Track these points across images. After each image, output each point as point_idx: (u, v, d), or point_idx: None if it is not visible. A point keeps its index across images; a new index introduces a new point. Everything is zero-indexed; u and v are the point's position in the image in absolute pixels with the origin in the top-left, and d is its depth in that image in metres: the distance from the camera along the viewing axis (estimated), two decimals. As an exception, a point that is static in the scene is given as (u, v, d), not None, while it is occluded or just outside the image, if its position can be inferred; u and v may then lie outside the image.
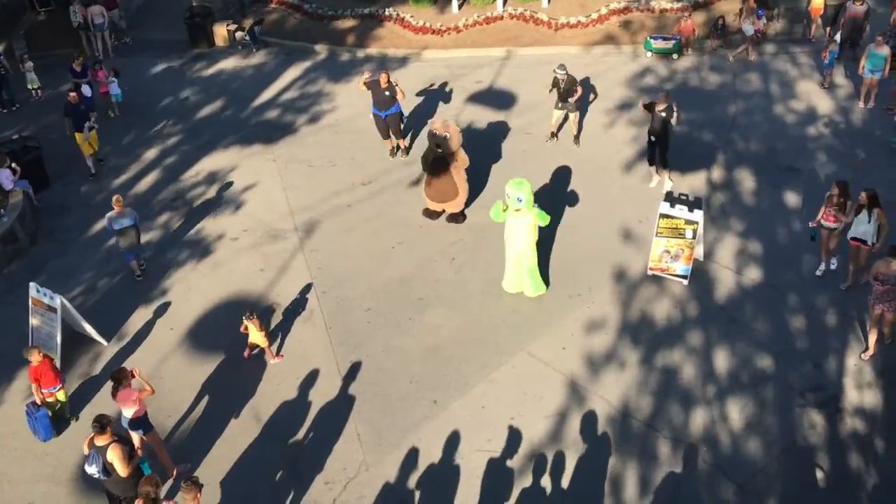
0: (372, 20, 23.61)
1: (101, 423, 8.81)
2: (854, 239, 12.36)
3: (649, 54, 21.15)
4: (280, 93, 20.76)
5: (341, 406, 11.36)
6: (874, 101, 18.00)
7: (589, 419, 10.92)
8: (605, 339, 12.21)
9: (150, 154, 18.15)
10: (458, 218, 15.05)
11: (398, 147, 17.29)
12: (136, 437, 9.92)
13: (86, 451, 9.00)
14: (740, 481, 9.98)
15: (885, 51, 17.37)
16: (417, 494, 10.10)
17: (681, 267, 13.09)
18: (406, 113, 17.44)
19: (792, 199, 15.13)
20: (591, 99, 19.08)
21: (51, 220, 15.94)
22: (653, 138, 15.25)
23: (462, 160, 14.64)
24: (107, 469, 8.83)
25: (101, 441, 8.83)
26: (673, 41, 20.89)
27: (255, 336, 11.97)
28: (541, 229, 13.15)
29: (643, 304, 12.84)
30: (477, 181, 16.03)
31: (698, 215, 12.82)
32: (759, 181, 15.73)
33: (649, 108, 15.18)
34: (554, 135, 17.38)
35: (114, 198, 13.61)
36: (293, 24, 24.18)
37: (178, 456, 10.66)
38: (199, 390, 11.78)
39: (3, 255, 14.61)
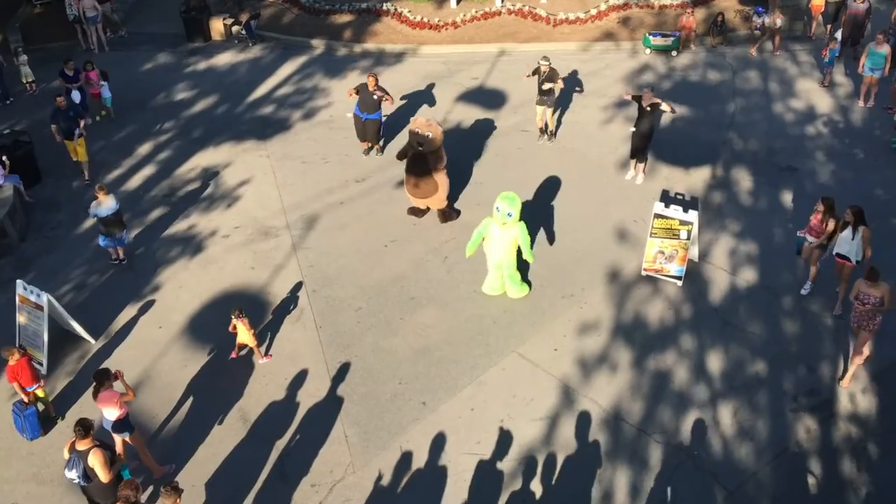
0: (369, 15, 23.43)
1: (84, 427, 8.67)
2: (839, 255, 12.03)
3: (648, 51, 20.98)
4: (275, 88, 20.60)
5: (329, 407, 11.23)
6: (874, 100, 17.84)
7: (579, 422, 10.78)
8: (598, 341, 12.07)
9: (143, 149, 17.99)
10: (450, 215, 14.91)
11: (372, 147, 17.10)
12: (118, 439, 9.80)
13: (66, 455, 8.86)
14: (731, 487, 9.85)
15: (886, 49, 17.20)
16: (404, 498, 9.98)
17: (675, 268, 12.95)
18: (399, 109, 17.28)
19: (790, 199, 14.98)
20: (588, 95, 18.93)
21: (41, 215, 15.80)
22: (637, 132, 15.20)
23: (441, 157, 14.49)
24: (87, 474, 8.69)
25: (82, 446, 8.69)
26: (672, 38, 20.72)
27: (244, 336, 11.83)
28: (534, 228, 13.02)
29: (636, 305, 12.70)
30: (471, 179, 15.91)
31: (693, 216, 12.67)
32: (757, 181, 15.57)
33: (636, 100, 15.13)
34: (543, 131, 17.22)
35: (97, 186, 13.84)
36: (290, 19, 24.01)
37: (163, 457, 10.52)
38: (185, 390, 11.65)
39: (-7, 252, 14.51)
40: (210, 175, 16.89)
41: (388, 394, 11.39)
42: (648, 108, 14.85)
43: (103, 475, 8.64)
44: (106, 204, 13.65)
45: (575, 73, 19.91)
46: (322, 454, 10.53)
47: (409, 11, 23.13)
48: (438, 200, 14.78)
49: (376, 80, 16.43)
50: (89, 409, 10.84)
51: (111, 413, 9.59)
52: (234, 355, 12.08)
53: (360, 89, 16.38)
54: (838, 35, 19.26)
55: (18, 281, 12.25)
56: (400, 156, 14.82)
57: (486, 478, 10.13)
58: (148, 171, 17.19)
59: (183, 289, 13.66)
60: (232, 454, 10.61)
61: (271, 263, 14.13)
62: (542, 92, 16.49)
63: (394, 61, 21.58)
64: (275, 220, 15.24)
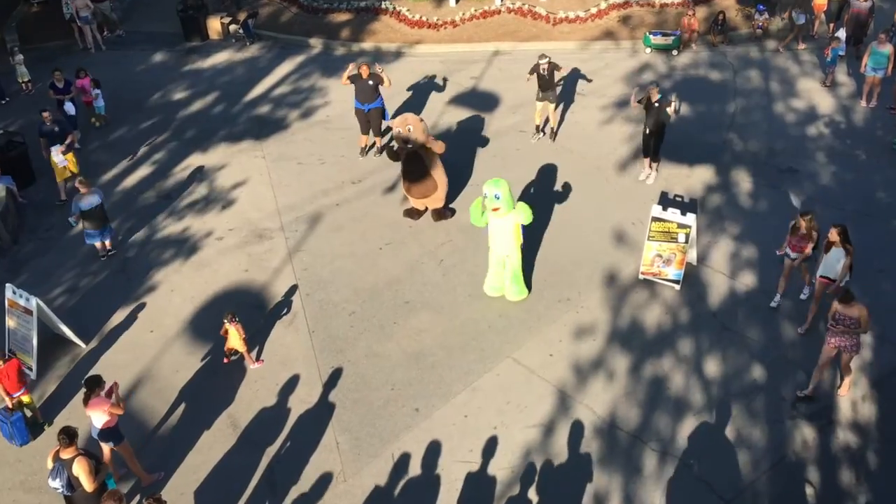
0: (367, 14, 23.25)
1: (69, 435, 8.53)
2: (824, 277, 11.56)
3: (648, 50, 20.77)
4: (272, 88, 20.45)
5: (321, 413, 11.08)
6: (877, 100, 17.63)
7: (574, 430, 10.62)
8: (594, 346, 11.90)
9: (138, 150, 17.82)
10: (444, 214, 14.75)
11: (373, 145, 16.93)
12: (106, 447, 9.67)
13: (50, 464, 8.73)
14: (727, 497, 9.68)
15: (888, 49, 16.97)
16: (395, 507, 9.85)
17: (673, 272, 12.77)
18: (395, 110, 17.10)
19: (790, 201, 14.75)
20: (587, 95, 18.75)
21: (34, 217, 15.67)
22: (648, 130, 14.97)
23: (437, 147, 14.29)
24: (71, 483, 8.55)
25: (66, 454, 8.56)
26: (672, 37, 20.51)
27: (235, 341, 11.69)
28: (530, 230, 12.85)
29: (634, 309, 12.53)
30: (468, 180, 15.75)
31: (691, 219, 12.50)
32: (757, 182, 15.38)
33: (643, 102, 14.87)
34: (540, 129, 17.03)
35: (77, 179, 13.87)
36: (288, 18, 23.84)
37: (152, 465, 10.40)
38: (176, 395, 11.52)
39: (-15, 254, 14.39)
40: (205, 176, 16.75)
41: (380, 400, 11.24)
42: (657, 104, 14.60)
43: (88, 484, 8.50)
44: (88, 198, 13.65)
45: (574, 72, 19.71)
46: (313, 461, 10.39)
47: (408, 10, 22.95)
48: (438, 199, 14.62)
49: (369, 67, 16.24)
50: (79, 414, 10.69)
51: (100, 420, 9.45)
52: (225, 360, 11.93)
53: (354, 80, 16.20)
54: (841, 34, 19.03)
55: (8, 285, 12.15)
56: (392, 156, 14.62)
57: (478, 487, 9.98)
58: (142, 171, 17.06)
59: (175, 292, 13.52)
60: (221, 461, 10.48)
61: (265, 266, 13.99)
62: (543, 88, 16.29)
63: (392, 60, 21.39)
64: (269, 222, 15.09)
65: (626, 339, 12.00)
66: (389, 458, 10.38)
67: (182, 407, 11.35)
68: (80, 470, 8.48)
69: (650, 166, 15.46)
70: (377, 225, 14.85)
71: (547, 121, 17.08)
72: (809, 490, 9.68)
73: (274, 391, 11.47)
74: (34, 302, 11.74)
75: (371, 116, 16.47)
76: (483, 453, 10.36)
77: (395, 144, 14.40)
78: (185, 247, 14.61)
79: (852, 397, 10.82)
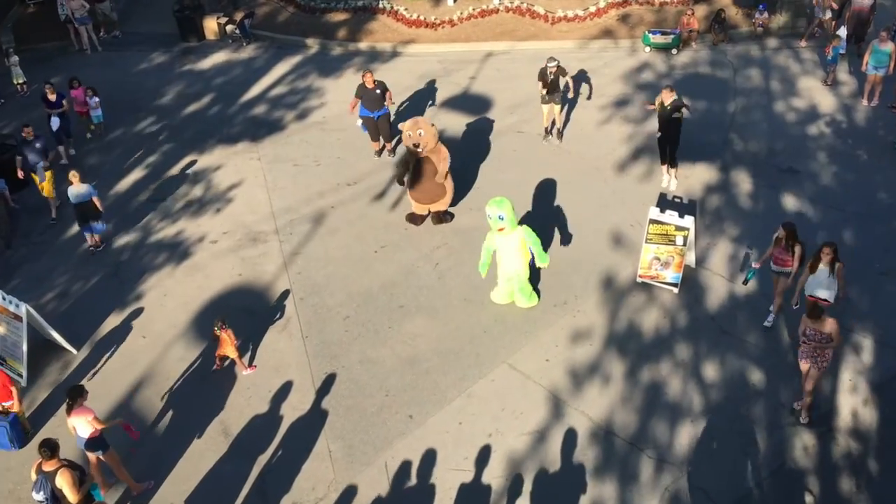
0: (365, 13, 23.09)
1: (50, 448, 8.40)
2: (812, 296, 10.95)
3: (648, 49, 20.58)
4: (269, 88, 20.31)
5: (313, 420, 10.93)
6: (878, 99, 17.43)
7: (570, 437, 10.46)
8: (590, 351, 11.74)
9: (133, 152, 17.72)
10: (445, 217, 14.58)
11: (383, 148, 16.81)
12: (92, 457, 9.54)
13: (33, 476, 8.59)
14: (725, 506, 9.53)
15: (890, 47, 16.76)
16: (388, 516, 9.71)
17: (671, 274, 12.60)
18: (393, 111, 16.97)
19: (790, 202, 14.60)
20: (585, 95, 18.57)
21: (28, 221, 15.54)
22: (662, 136, 14.68)
23: (444, 155, 14.15)
24: (55, 496, 8.41)
25: (49, 466, 8.42)
26: (672, 35, 20.32)
27: (226, 347, 11.55)
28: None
29: (631, 313, 12.36)
30: (465, 182, 15.57)
31: (689, 221, 12.32)
32: (757, 183, 15.19)
33: (658, 106, 14.48)
34: (549, 131, 16.86)
35: (70, 172, 13.91)
36: (285, 17, 23.69)
37: (142, 473, 10.27)
38: (167, 402, 11.39)
39: (-23, 258, 14.27)
40: (200, 178, 16.62)
41: (374, 406, 11.09)
42: (670, 108, 14.26)
43: (72, 497, 8.36)
44: (78, 190, 13.71)
45: (573, 71, 19.51)
46: (304, 470, 10.25)
47: (406, 9, 22.78)
48: (444, 203, 14.44)
49: (372, 75, 16.09)
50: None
51: (84, 431, 9.31)
52: (216, 367, 11.79)
53: (360, 90, 16.03)
54: (842, 32, 18.83)
55: (-3, 290, 12.03)
56: (402, 165, 14.36)
57: (472, 495, 9.83)
58: (137, 174, 16.93)
59: (168, 296, 13.39)
60: (212, 470, 10.34)
61: (259, 270, 13.85)
62: (550, 91, 16.10)
63: (389, 60, 21.25)
64: (264, 225, 14.95)
65: (624, 343, 11.84)
66: (382, 466, 10.23)
67: (173, 414, 11.21)
68: (63, 482, 8.34)
69: (668, 172, 15.10)
70: (372, 227, 14.70)
71: (553, 122, 16.90)
72: (809, 498, 9.52)
73: (266, 398, 11.32)
74: (24, 308, 11.61)
75: (380, 123, 16.33)
76: (477, 461, 10.21)
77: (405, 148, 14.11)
78: (178, 250, 14.47)
79: (852, 403, 10.65)
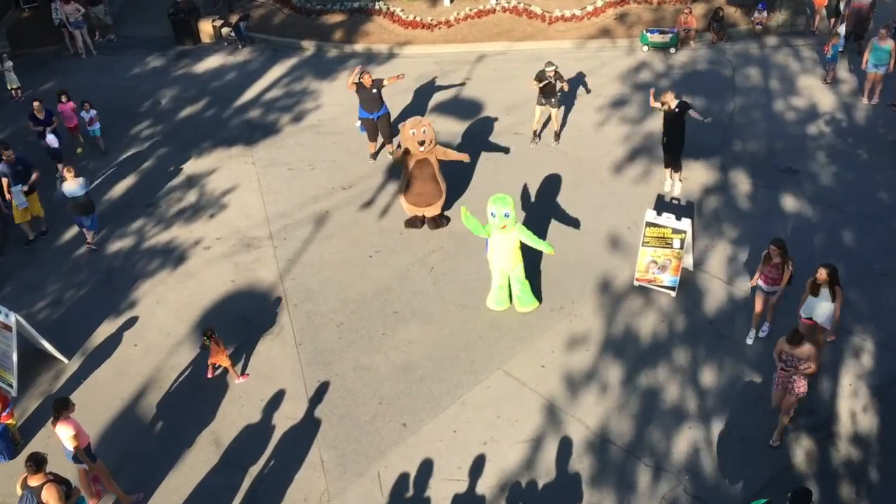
0: (361, 15, 22.95)
1: (36, 462, 8.27)
2: (807, 318, 10.48)
3: (646, 48, 20.42)
4: (264, 91, 20.17)
5: (306, 430, 10.79)
6: (878, 97, 17.26)
7: (565, 445, 10.31)
8: (587, 357, 11.58)
9: (127, 157, 17.58)
10: (441, 222, 14.43)
11: (379, 150, 16.65)
12: (80, 469, 9.40)
13: (18, 491, 8.46)
14: (723, 515, 9.37)
15: (890, 44, 16.60)
16: (381, 528, 9.57)
17: (668, 278, 12.44)
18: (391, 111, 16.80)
19: (789, 202, 14.43)
20: (583, 95, 18.42)
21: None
22: (665, 139, 14.42)
23: (443, 150, 14.04)
24: (41, 511, 8.30)
25: (34, 481, 8.29)
26: (670, 34, 20.15)
27: (218, 356, 11.42)
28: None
29: (628, 317, 12.20)
30: (460, 184, 15.42)
31: (686, 224, 12.16)
32: (755, 184, 15.02)
33: (663, 109, 14.20)
34: (537, 134, 16.70)
35: (66, 167, 14.06)
36: (281, 20, 23.56)
37: (133, 485, 10.14)
38: (158, 412, 11.25)
39: (-32, 266, 14.14)
40: (194, 183, 16.48)
41: (367, 415, 10.95)
42: (677, 111, 14.00)
43: (58, 512, 8.23)
44: (71, 185, 13.77)
45: (570, 72, 19.35)
46: (297, 481, 10.10)
47: (402, 10, 22.63)
48: (437, 207, 14.28)
49: (370, 76, 15.94)
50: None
51: (68, 443, 9.18)
52: (209, 375, 11.66)
53: (360, 91, 15.88)
54: (841, 30, 18.65)
55: (-14, 301, 11.90)
56: (404, 167, 14.10)
57: (466, 505, 9.69)
58: (131, 179, 16.79)
59: (160, 304, 13.26)
60: (203, 481, 10.20)
61: (252, 276, 13.71)
62: (546, 94, 15.95)
63: (385, 62, 21.11)
64: (258, 231, 14.81)
65: (620, 348, 11.68)
66: (375, 476, 10.08)
67: (164, 424, 11.08)
68: (49, 497, 8.21)
69: (672, 176, 14.82)
70: (367, 232, 14.56)
71: (544, 126, 16.72)
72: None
73: (259, 407, 11.18)
74: (13, 318, 11.47)
75: (380, 123, 16.18)
76: (471, 471, 10.06)
77: (405, 147, 13.89)
78: (171, 257, 14.34)
79: (852, 408, 10.49)
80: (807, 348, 9.44)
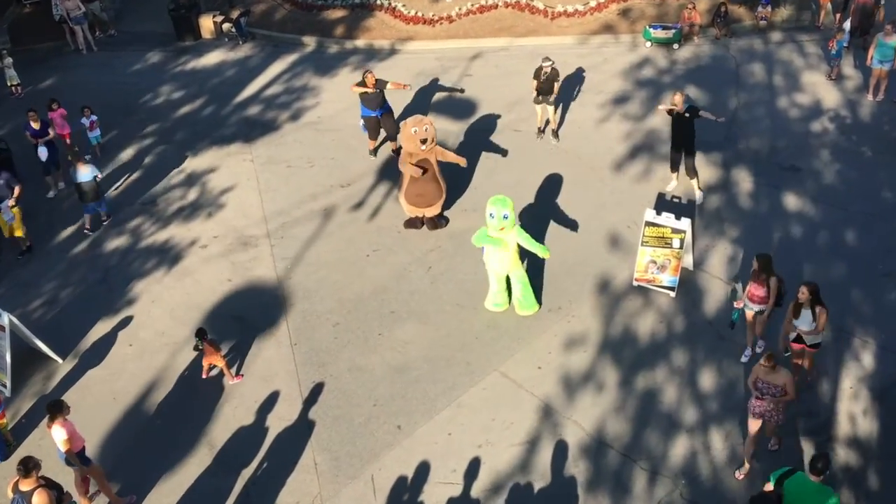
0: (362, 10, 22.79)
1: (26, 467, 8.19)
2: (795, 341, 10.21)
3: (648, 44, 20.21)
4: (264, 88, 20.05)
5: (300, 432, 10.70)
6: (883, 94, 17.02)
7: (560, 448, 10.19)
8: (584, 358, 11.46)
9: (125, 155, 17.49)
10: (440, 223, 14.29)
11: (379, 146, 16.53)
12: (74, 472, 9.34)
13: (10, 494, 8.39)
14: (720, 520, 9.25)
15: (895, 40, 16.34)
16: (373, 532, 9.48)
17: (668, 278, 12.30)
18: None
19: (792, 201, 14.25)
20: (584, 92, 18.26)
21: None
22: (676, 146, 14.05)
23: (441, 151, 13.92)
24: (32, 516, 8.22)
25: (25, 486, 8.22)
26: (673, 30, 19.94)
27: (213, 356, 11.34)
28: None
29: (626, 318, 12.07)
30: (459, 183, 15.28)
31: (685, 223, 12.02)
32: (757, 182, 14.84)
33: (671, 111, 13.81)
34: (542, 131, 16.55)
35: (75, 156, 14.64)
36: (282, 15, 23.42)
37: (125, 487, 10.09)
38: (152, 413, 11.19)
39: (-35, 265, 14.07)
40: (192, 180, 16.40)
41: (362, 416, 10.85)
42: (687, 115, 13.61)
43: (48, 518, 8.16)
44: (82, 171, 14.38)
45: (572, 68, 19.20)
46: (289, 483, 10.02)
47: (404, 6, 22.45)
48: (438, 207, 14.15)
49: (373, 75, 15.80)
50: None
51: (62, 447, 9.11)
52: (204, 375, 11.58)
53: (363, 92, 15.76)
54: (846, 25, 18.42)
55: (-21, 301, 11.84)
56: (407, 166, 13.82)
57: (460, 509, 9.59)
58: (129, 176, 16.71)
59: (156, 303, 13.18)
60: (196, 483, 10.13)
61: (249, 275, 13.62)
62: (543, 91, 15.80)
63: (386, 58, 20.96)
64: (255, 229, 14.71)
65: (618, 350, 11.55)
66: (369, 479, 9.99)
67: (157, 425, 11.01)
68: (40, 503, 8.12)
69: (677, 178, 14.49)
70: (365, 230, 14.45)
71: (547, 122, 16.58)
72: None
73: (253, 409, 11.10)
74: (6, 318, 11.42)
75: (384, 121, 16.06)
76: (466, 474, 9.96)
77: (405, 149, 13.74)
78: (168, 255, 14.26)
79: (852, 411, 10.33)
80: (783, 376, 9.05)
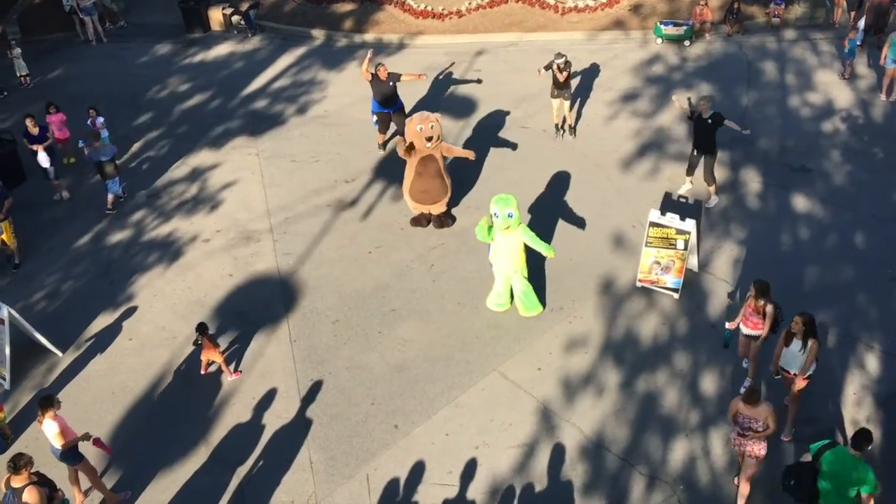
0: (372, 4, 22.66)
1: (16, 464, 8.15)
2: (786, 370, 9.73)
3: (659, 41, 20.01)
4: (271, 81, 19.99)
5: (297, 430, 10.63)
6: (897, 94, 16.79)
7: (558, 451, 10.08)
8: (585, 360, 11.33)
9: (131, 148, 17.45)
10: (446, 221, 14.16)
11: (389, 140, 16.43)
12: (69, 468, 9.32)
13: (2, 489, 8.36)
14: (718, 527, 9.12)
15: (909, 40, 16.10)
16: (367, 532, 9.40)
17: (671, 279, 12.15)
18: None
19: (801, 203, 14.05)
20: (593, 88, 18.07)
21: (22, 217, 15.21)
22: (696, 151, 13.78)
23: (447, 147, 13.81)
24: (24, 512, 8.19)
25: (16, 482, 8.18)
26: (685, 27, 19.73)
27: (211, 352, 11.29)
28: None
29: (629, 320, 11.93)
30: (466, 180, 15.17)
31: (690, 224, 11.86)
32: (766, 182, 14.65)
33: (692, 116, 13.58)
34: (559, 127, 16.36)
35: (90, 142, 14.91)
36: (291, 8, 23.33)
37: (120, 483, 10.06)
38: (149, 409, 11.14)
39: (-32, 256, 14.07)
40: (197, 174, 16.35)
41: (359, 415, 10.77)
42: (710, 121, 13.34)
43: (39, 514, 8.12)
44: (99, 150, 14.72)
45: (584, 64, 19.01)
46: (284, 482, 9.95)
47: (413, 0, 22.32)
48: (442, 205, 14.03)
49: (386, 68, 15.69)
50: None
51: (55, 442, 9.08)
52: (202, 371, 11.53)
53: (374, 82, 15.65)
54: (861, 24, 18.14)
55: (-22, 294, 11.82)
56: (408, 160, 13.75)
57: (455, 511, 9.51)
58: (133, 169, 16.67)
59: (157, 297, 13.14)
60: (191, 481, 10.08)
61: (251, 270, 13.56)
62: (559, 86, 15.64)
63: (395, 52, 20.85)
64: (258, 224, 14.65)
65: (620, 352, 11.42)
66: (364, 479, 9.91)
67: (154, 421, 10.96)
68: (31, 499, 8.10)
69: (692, 182, 14.25)
70: (368, 226, 14.35)
71: (566, 120, 16.41)
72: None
73: (250, 406, 11.04)
74: (5, 311, 11.41)
75: (395, 118, 15.97)
76: (462, 476, 9.86)
77: (409, 143, 13.56)
78: (170, 249, 14.22)
79: (857, 418, 10.17)
80: (763, 409, 8.64)
